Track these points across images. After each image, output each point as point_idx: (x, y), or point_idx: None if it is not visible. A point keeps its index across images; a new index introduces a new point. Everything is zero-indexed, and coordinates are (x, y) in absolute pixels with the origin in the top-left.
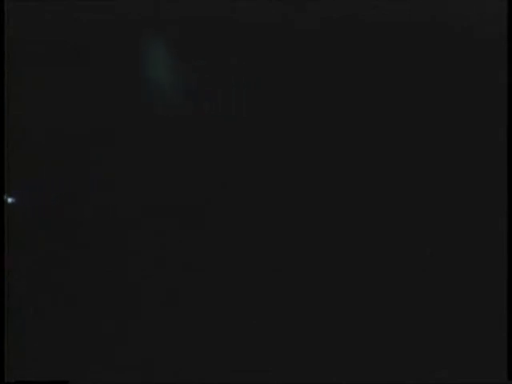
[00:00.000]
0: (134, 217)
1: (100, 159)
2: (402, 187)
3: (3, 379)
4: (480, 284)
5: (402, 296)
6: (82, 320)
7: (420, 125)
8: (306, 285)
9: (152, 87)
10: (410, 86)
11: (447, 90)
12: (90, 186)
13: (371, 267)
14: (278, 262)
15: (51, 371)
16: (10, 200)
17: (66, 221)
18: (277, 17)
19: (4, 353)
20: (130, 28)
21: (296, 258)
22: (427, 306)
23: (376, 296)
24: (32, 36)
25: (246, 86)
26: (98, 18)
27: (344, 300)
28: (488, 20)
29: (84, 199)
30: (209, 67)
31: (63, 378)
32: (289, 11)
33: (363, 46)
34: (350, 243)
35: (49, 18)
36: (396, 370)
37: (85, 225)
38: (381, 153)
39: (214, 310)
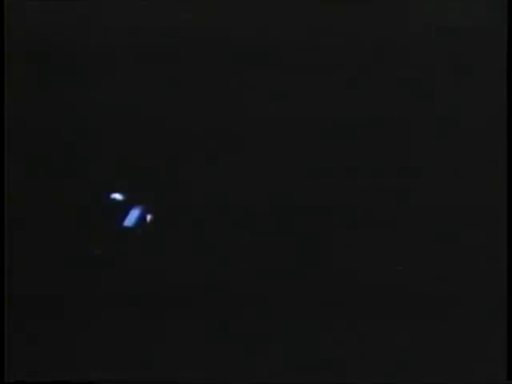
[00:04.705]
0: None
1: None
2: (402, 186)
3: (3, 379)
4: (480, 283)
5: (401, 296)
6: (86, 319)
7: (419, 126)
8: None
9: None
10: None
11: (448, 91)
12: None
13: (370, 267)
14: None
15: (51, 371)
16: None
17: None
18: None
19: (4, 353)
20: None
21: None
22: (426, 305)
23: (374, 296)
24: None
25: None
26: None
27: (342, 299)
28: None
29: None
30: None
31: (63, 378)
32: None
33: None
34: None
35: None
36: (395, 370)
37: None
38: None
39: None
